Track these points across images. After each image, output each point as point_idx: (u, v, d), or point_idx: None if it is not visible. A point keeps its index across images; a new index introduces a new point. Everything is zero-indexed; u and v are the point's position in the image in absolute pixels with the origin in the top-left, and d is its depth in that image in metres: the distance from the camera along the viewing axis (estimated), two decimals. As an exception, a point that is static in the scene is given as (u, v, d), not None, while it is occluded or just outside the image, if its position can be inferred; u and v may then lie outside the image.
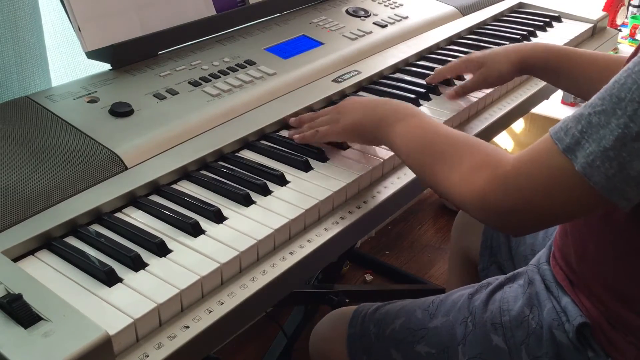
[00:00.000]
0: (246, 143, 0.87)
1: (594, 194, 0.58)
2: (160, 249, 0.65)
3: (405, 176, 0.85)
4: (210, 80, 0.95)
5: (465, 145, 0.70)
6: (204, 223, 0.70)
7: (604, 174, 0.57)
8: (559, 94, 1.91)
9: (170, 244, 0.67)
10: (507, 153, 0.67)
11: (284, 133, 0.90)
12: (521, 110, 1.10)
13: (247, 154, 0.85)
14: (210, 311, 0.61)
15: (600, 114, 0.57)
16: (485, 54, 1.01)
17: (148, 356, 0.56)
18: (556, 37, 1.30)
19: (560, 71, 0.96)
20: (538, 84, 1.15)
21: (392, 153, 0.83)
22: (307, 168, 0.81)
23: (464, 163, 0.67)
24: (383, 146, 0.84)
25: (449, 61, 1.15)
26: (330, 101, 0.99)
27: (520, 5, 1.49)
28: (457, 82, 1.06)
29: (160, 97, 0.89)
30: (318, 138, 0.84)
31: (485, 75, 0.98)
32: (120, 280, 0.61)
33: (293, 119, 0.90)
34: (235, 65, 1.00)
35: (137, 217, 0.71)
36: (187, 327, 0.59)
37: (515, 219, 0.64)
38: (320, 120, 0.86)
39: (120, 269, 0.62)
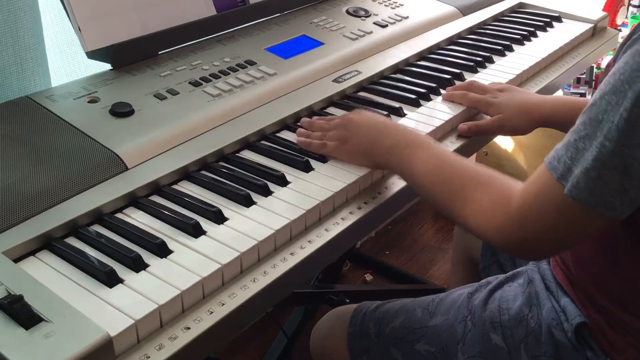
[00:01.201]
0: (247, 143, 0.87)
1: (587, 212, 0.61)
2: (161, 250, 0.65)
3: (406, 176, 0.84)
4: (211, 81, 0.95)
5: (480, 180, 0.71)
6: (205, 224, 0.70)
7: (589, 192, 0.59)
8: (558, 94, 1.91)
9: (171, 245, 0.66)
10: (517, 185, 0.69)
11: (285, 134, 0.90)
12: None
13: (248, 155, 0.85)
14: (212, 312, 0.61)
15: (584, 138, 0.60)
16: (507, 104, 0.96)
17: (149, 357, 0.56)
18: (556, 37, 1.30)
19: None
20: (538, 85, 1.15)
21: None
22: (307, 169, 0.81)
23: (482, 200, 0.69)
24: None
25: (449, 61, 1.15)
26: (330, 101, 0.99)
27: (521, 5, 1.49)
28: (457, 82, 1.06)
29: (160, 97, 0.89)
30: (325, 152, 0.83)
31: (501, 124, 0.95)
32: (121, 281, 0.61)
33: (305, 120, 0.90)
34: (236, 65, 1.00)
35: (137, 218, 0.71)
36: (188, 328, 0.59)
37: (529, 248, 0.67)
38: (330, 135, 0.85)
39: (121, 270, 0.62)
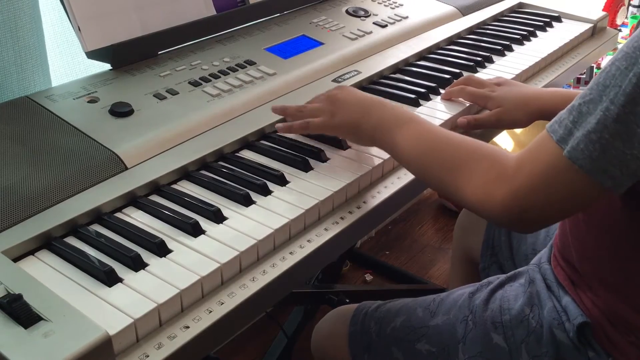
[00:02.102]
0: (246, 143, 0.87)
1: (584, 178, 0.59)
2: (160, 249, 0.65)
3: (406, 176, 0.84)
4: (210, 80, 0.95)
5: (471, 151, 0.70)
6: (204, 223, 0.70)
7: (588, 156, 0.58)
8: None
9: (170, 244, 0.67)
10: (508, 153, 0.68)
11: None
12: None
13: (247, 154, 0.85)
14: (211, 311, 0.61)
15: (589, 102, 0.59)
16: (505, 97, 0.96)
17: (148, 356, 0.56)
18: (556, 37, 1.30)
19: None
20: (538, 85, 1.15)
21: (392, 153, 0.83)
22: (307, 168, 0.81)
23: (474, 172, 0.68)
24: (377, 149, 0.83)
25: (449, 61, 1.15)
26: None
27: (520, 5, 1.49)
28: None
29: (160, 97, 0.89)
30: (310, 130, 0.82)
31: (500, 118, 0.95)
32: (120, 280, 0.61)
33: (275, 106, 0.88)
34: (236, 65, 1.00)
35: (137, 217, 0.71)
36: (187, 327, 0.59)
37: (526, 217, 0.65)
38: (311, 109, 0.84)
39: (120, 269, 0.62)
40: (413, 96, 1.00)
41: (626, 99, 0.56)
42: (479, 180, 0.67)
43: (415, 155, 0.75)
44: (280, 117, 0.90)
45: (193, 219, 0.69)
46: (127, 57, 0.96)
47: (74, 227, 0.68)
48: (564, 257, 0.81)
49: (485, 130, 0.99)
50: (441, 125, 0.93)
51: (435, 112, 0.97)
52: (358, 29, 1.18)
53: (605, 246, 0.74)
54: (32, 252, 0.65)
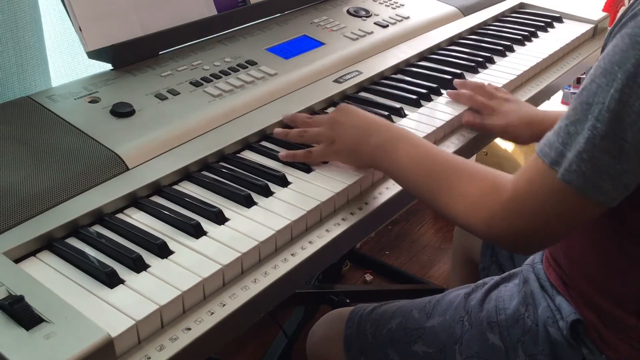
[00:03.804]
0: (247, 144, 0.87)
1: (578, 198, 0.60)
2: (162, 250, 0.65)
3: (407, 177, 0.84)
4: (212, 81, 0.95)
5: (466, 172, 0.71)
6: (206, 224, 0.70)
7: (581, 176, 0.59)
8: (559, 94, 1.91)
9: (171, 245, 0.66)
10: (505, 176, 0.68)
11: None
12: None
13: (249, 155, 0.85)
14: (212, 313, 0.61)
15: (575, 123, 0.60)
16: (513, 114, 0.96)
17: (150, 358, 0.56)
18: (557, 37, 1.30)
19: None
20: (539, 85, 1.15)
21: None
22: (308, 169, 0.81)
23: (469, 191, 0.69)
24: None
25: (450, 61, 1.15)
26: (331, 102, 0.99)
27: (521, 5, 1.49)
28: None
29: (161, 97, 0.89)
30: (312, 160, 0.82)
31: (505, 130, 0.96)
32: (121, 281, 0.61)
33: (286, 116, 0.89)
34: (237, 65, 1.00)
35: (138, 218, 0.71)
36: (189, 329, 0.59)
37: (520, 240, 0.67)
38: (313, 133, 0.83)
39: (121, 270, 0.62)
40: (414, 97, 1.00)
41: (610, 115, 0.57)
42: (470, 199, 0.68)
43: (411, 173, 0.75)
44: (281, 119, 0.90)
45: (194, 220, 0.69)
46: (128, 57, 0.96)
47: (75, 228, 0.68)
48: (555, 259, 0.82)
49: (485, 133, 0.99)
50: (442, 126, 0.93)
51: (436, 112, 0.97)
52: (359, 29, 1.18)
53: (591, 248, 0.75)
54: (33, 253, 0.65)
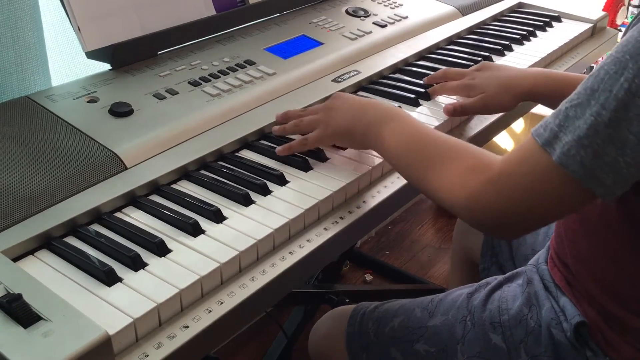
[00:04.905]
0: (246, 143, 0.87)
1: (573, 184, 0.59)
2: (160, 249, 0.65)
3: (405, 176, 0.85)
4: (210, 80, 0.95)
5: (454, 149, 0.70)
6: (204, 223, 0.70)
7: (579, 162, 0.57)
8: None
9: (170, 244, 0.67)
10: (495, 155, 0.67)
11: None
12: (521, 109, 1.09)
13: (247, 154, 0.85)
14: (210, 311, 0.61)
15: (577, 107, 0.58)
16: (488, 82, 0.95)
17: (148, 356, 0.56)
18: (556, 37, 1.30)
19: (562, 95, 0.95)
20: (538, 84, 1.14)
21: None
22: (306, 168, 0.81)
23: (455, 167, 0.67)
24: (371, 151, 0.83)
25: (449, 61, 1.15)
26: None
27: (520, 5, 1.49)
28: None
29: (160, 97, 0.89)
30: (309, 146, 0.82)
31: (485, 103, 0.94)
32: (119, 280, 0.61)
33: (279, 114, 0.89)
34: (235, 65, 1.00)
35: (136, 217, 0.71)
36: (187, 326, 0.59)
37: (506, 221, 0.65)
38: (308, 120, 0.84)
39: (120, 269, 0.62)
40: (413, 96, 1.00)
41: (618, 104, 0.55)
42: (461, 178, 0.66)
43: (399, 151, 0.74)
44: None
45: (193, 218, 0.69)
46: (126, 57, 0.96)
47: (74, 227, 0.68)
48: (560, 259, 0.82)
49: (486, 127, 0.99)
50: (441, 125, 0.93)
51: (436, 112, 0.97)
52: (358, 29, 1.18)
53: (600, 248, 0.74)
54: (31, 252, 0.65)
